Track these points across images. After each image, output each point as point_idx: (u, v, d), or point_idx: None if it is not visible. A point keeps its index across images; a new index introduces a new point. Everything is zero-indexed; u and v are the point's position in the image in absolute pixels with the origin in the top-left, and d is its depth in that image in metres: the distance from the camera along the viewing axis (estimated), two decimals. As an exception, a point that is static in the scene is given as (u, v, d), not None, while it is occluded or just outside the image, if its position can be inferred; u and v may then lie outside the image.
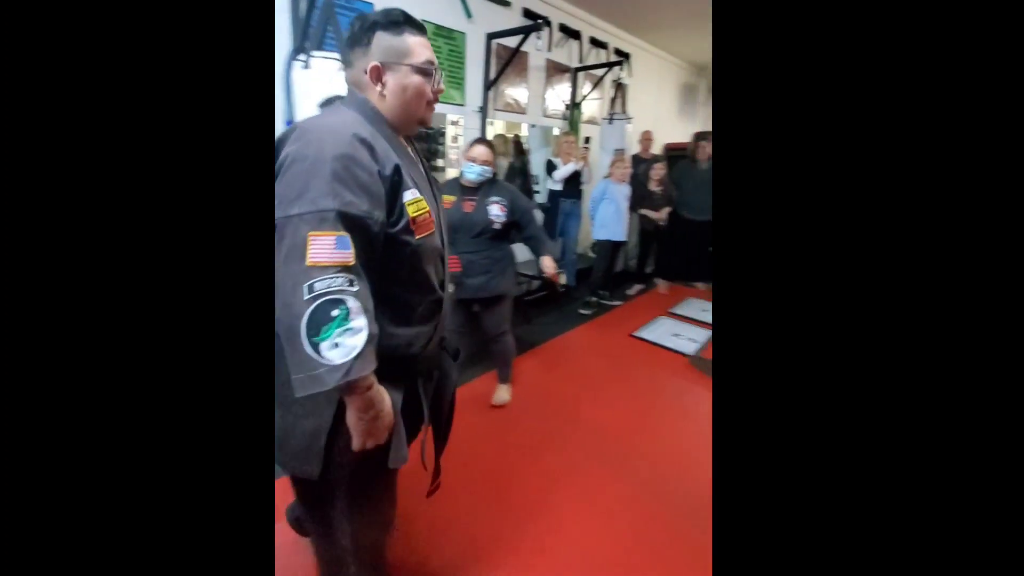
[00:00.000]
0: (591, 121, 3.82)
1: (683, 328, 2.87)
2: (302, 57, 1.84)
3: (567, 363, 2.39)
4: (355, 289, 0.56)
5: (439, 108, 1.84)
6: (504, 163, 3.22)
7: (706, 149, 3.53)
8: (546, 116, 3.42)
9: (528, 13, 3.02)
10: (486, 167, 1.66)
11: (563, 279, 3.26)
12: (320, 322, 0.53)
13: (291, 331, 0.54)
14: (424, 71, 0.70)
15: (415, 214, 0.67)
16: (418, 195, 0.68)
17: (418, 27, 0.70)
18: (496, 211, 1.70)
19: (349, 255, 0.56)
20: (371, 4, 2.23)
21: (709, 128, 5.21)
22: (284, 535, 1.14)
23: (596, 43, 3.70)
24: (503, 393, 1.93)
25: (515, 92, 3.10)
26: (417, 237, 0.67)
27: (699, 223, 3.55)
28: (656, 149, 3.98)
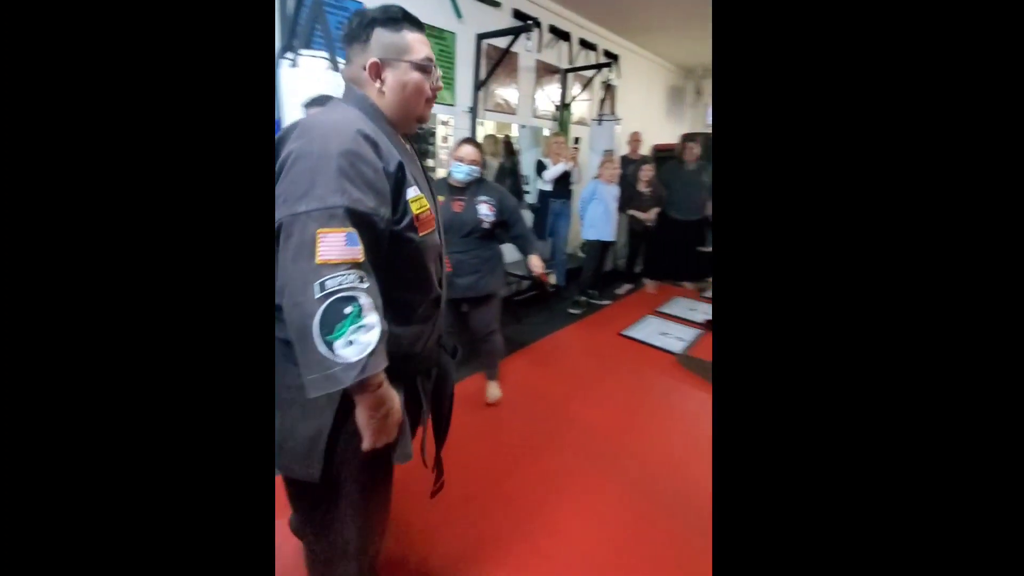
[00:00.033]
0: (581, 122, 3.85)
1: (670, 327, 2.91)
2: (289, 55, 1.83)
3: (557, 362, 2.41)
4: (366, 286, 0.55)
5: (429, 108, 1.84)
6: (494, 163, 3.23)
7: (693, 150, 3.58)
8: (536, 117, 3.43)
9: (518, 14, 3.03)
10: (474, 167, 1.67)
11: (553, 279, 3.28)
12: (333, 320, 0.52)
13: (303, 331, 0.52)
14: (423, 68, 0.69)
15: (418, 211, 0.66)
16: (420, 192, 0.68)
17: (417, 24, 0.70)
18: (485, 210, 1.71)
19: (359, 251, 0.55)
20: (360, 2, 2.22)
21: (696, 130, 5.31)
22: (284, 535, 1.13)
23: (585, 44, 3.73)
24: (494, 390, 1.94)
25: (505, 92, 3.11)
26: (420, 234, 0.67)
27: (686, 223, 3.61)
28: (644, 150, 4.02)
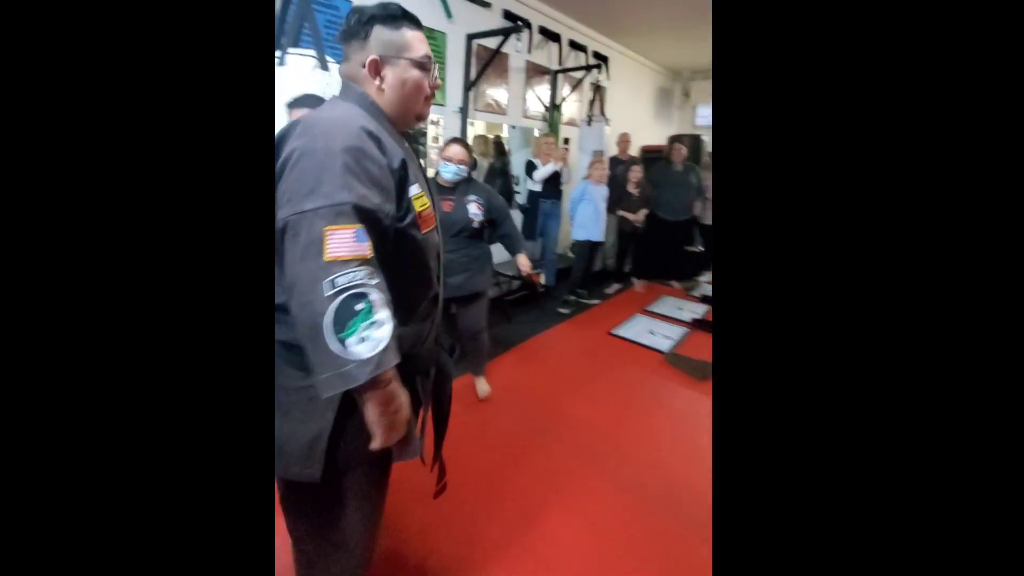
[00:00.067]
0: (570, 123, 3.88)
1: (658, 325, 2.95)
2: (277, 54, 1.82)
3: (547, 361, 2.43)
4: (375, 282, 0.54)
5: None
6: (485, 163, 3.24)
7: (681, 151, 3.64)
8: (526, 117, 3.45)
9: (508, 15, 3.05)
10: (462, 166, 1.68)
11: (543, 279, 3.30)
12: (345, 317, 0.51)
13: (313, 329, 0.51)
14: (422, 65, 0.69)
15: (420, 209, 0.66)
16: (421, 190, 0.68)
17: (415, 22, 0.70)
18: (474, 209, 1.72)
19: (367, 248, 0.55)
20: (350, 0, 2.21)
21: (683, 131, 5.38)
22: (285, 536, 1.13)
23: (575, 46, 3.75)
24: (484, 385, 1.97)
25: (495, 93, 3.12)
26: (423, 232, 0.67)
27: (674, 223, 3.67)
28: (633, 151, 4.07)
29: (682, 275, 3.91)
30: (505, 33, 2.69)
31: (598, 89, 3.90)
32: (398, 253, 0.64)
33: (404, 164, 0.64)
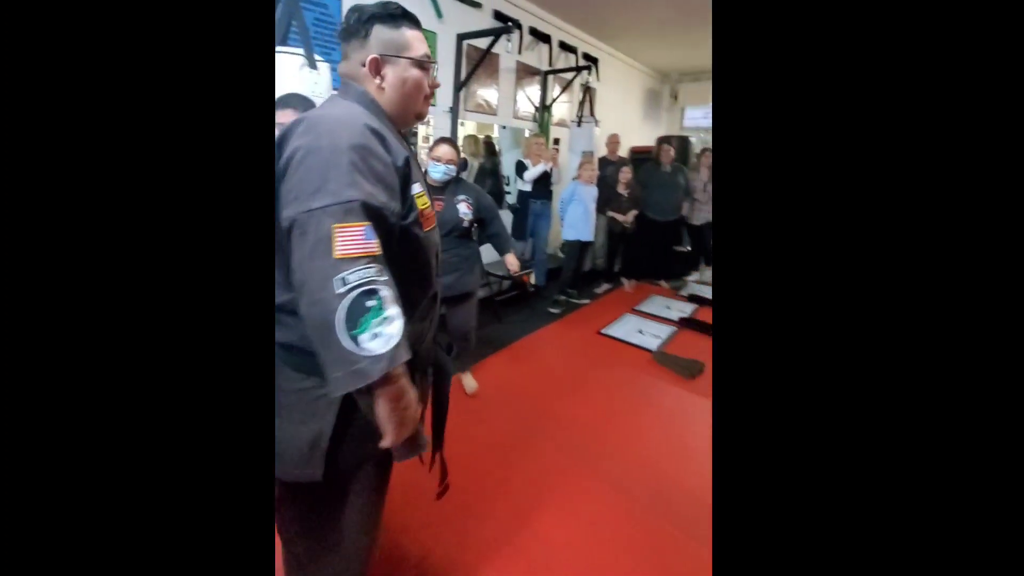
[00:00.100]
0: (560, 123, 3.90)
1: (647, 325, 2.99)
2: (266, 52, 1.79)
3: (538, 360, 2.44)
4: (385, 278, 0.54)
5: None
6: (475, 164, 3.24)
7: (669, 152, 3.69)
8: (516, 118, 3.46)
9: (499, 15, 3.05)
10: (451, 166, 1.69)
11: (533, 279, 3.32)
12: (357, 314, 0.51)
13: (325, 328, 0.51)
14: (422, 65, 0.70)
15: (422, 207, 0.66)
16: (422, 188, 0.68)
17: (415, 21, 0.70)
18: (464, 209, 1.73)
19: (376, 245, 0.55)
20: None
21: (672, 132, 5.45)
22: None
23: (565, 47, 3.78)
24: (471, 381, 2.01)
25: (486, 93, 3.12)
26: (425, 230, 0.67)
27: (663, 223, 3.72)
28: (622, 152, 4.11)
29: (670, 275, 3.97)
30: (496, 34, 2.70)
31: (588, 90, 3.93)
32: (401, 251, 0.64)
33: (407, 162, 0.65)
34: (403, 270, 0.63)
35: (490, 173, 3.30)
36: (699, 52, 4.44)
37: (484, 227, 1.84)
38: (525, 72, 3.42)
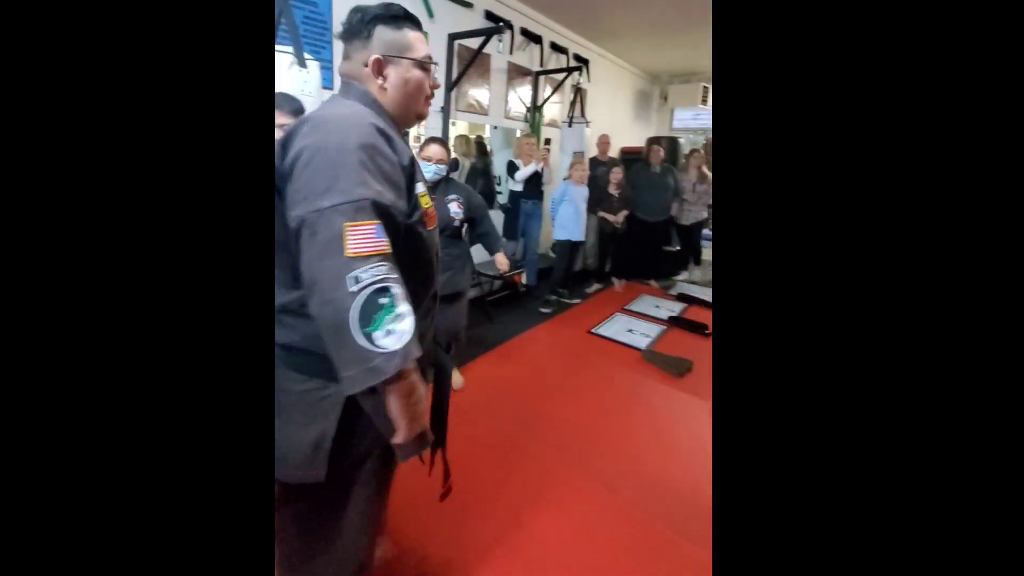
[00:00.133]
0: (552, 124, 3.92)
1: (637, 324, 3.03)
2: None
3: (529, 360, 2.46)
4: (396, 275, 0.55)
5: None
6: (467, 163, 3.25)
7: (658, 153, 3.73)
8: (508, 118, 3.47)
9: (490, 15, 3.06)
10: (441, 165, 1.70)
11: (524, 279, 3.34)
12: (371, 312, 0.51)
13: (338, 326, 0.51)
14: (424, 66, 0.70)
15: (426, 207, 0.67)
16: (424, 188, 0.69)
17: (416, 23, 0.71)
18: (455, 208, 1.74)
19: (386, 243, 0.55)
20: (329, -2, 2.18)
21: (661, 133, 5.51)
22: None
23: (556, 48, 3.79)
24: (458, 376, 2.04)
25: (477, 93, 3.13)
26: (428, 229, 0.68)
27: (652, 224, 3.76)
28: (612, 152, 4.15)
29: (660, 274, 4.01)
30: (487, 34, 2.70)
31: (579, 91, 3.96)
32: (406, 250, 0.65)
33: (412, 161, 0.65)
34: (408, 269, 0.63)
35: (481, 173, 3.31)
36: (688, 54, 4.49)
37: (474, 226, 1.85)
38: (516, 72, 3.43)
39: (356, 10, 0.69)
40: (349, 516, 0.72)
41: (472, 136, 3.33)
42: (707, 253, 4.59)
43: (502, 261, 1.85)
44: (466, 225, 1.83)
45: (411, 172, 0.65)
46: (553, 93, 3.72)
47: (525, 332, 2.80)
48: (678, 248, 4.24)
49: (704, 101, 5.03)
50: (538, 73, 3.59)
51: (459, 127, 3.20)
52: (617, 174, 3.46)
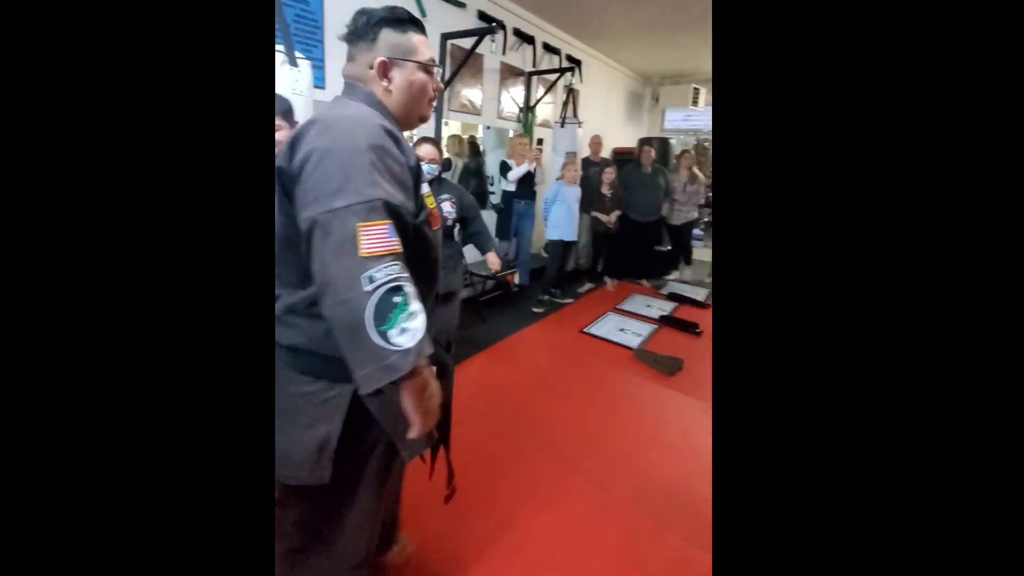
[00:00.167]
0: (544, 124, 3.93)
1: (628, 323, 3.05)
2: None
3: (522, 360, 2.47)
4: (407, 274, 0.55)
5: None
6: (460, 163, 3.25)
7: (650, 154, 3.77)
8: (500, 118, 3.47)
9: (483, 16, 3.06)
10: (433, 165, 1.70)
11: (517, 279, 3.35)
12: (385, 311, 0.52)
13: (354, 326, 0.52)
14: (428, 69, 0.72)
15: (431, 207, 0.69)
16: (428, 189, 0.70)
17: (420, 26, 0.72)
18: (448, 208, 1.75)
19: (397, 243, 0.56)
20: (320, -3, 2.16)
21: (653, 134, 5.55)
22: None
23: (549, 49, 3.81)
24: None
25: (470, 93, 3.13)
26: (433, 229, 0.69)
27: (643, 224, 3.79)
28: (604, 153, 4.18)
29: (651, 274, 4.05)
30: (480, 34, 2.71)
31: (571, 92, 3.98)
32: (412, 250, 0.65)
33: (418, 162, 0.67)
34: (415, 268, 0.64)
35: (474, 173, 3.32)
36: (680, 55, 4.54)
37: (466, 226, 1.86)
38: (509, 73, 3.44)
39: (361, 12, 0.69)
40: (350, 514, 0.73)
41: (465, 136, 3.34)
42: (697, 253, 4.64)
43: (494, 260, 1.86)
44: (458, 225, 1.83)
45: (417, 173, 0.66)
46: (546, 94, 3.73)
47: (517, 332, 2.81)
48: (669, 248, 4.29)
49: (695, 103, 5.08)
50: (531, 73, 3.60)
51: (452, 127, 3.20)
52: (610, 174, 3.48)
